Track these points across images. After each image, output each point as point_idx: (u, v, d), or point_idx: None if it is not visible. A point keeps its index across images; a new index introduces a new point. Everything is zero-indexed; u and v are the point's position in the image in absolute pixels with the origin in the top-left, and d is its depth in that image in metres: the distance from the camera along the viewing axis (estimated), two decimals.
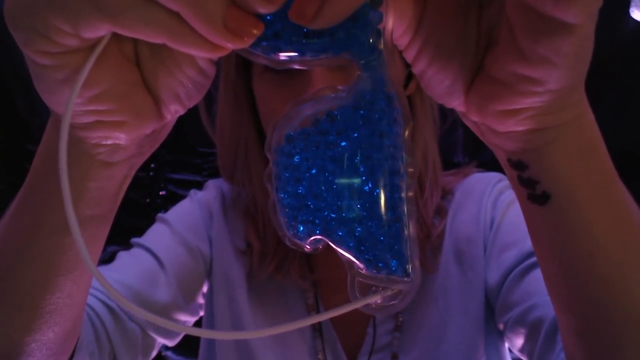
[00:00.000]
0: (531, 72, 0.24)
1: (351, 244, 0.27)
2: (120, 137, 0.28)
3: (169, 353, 1.23)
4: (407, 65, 0.29)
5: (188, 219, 0.67)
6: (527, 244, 0.54)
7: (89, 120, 0.26)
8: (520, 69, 0.24)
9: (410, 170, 0.27)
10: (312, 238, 0.28)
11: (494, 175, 0.67)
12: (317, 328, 0.62)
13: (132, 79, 0.26)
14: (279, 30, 0.24)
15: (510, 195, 0.62)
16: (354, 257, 0.27)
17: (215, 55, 0.24)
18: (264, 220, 0.65)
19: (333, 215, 0.27)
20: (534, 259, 0.53)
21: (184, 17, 0.22)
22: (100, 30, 0.22)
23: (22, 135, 1.27)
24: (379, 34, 0.25)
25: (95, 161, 0.28)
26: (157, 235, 0.64)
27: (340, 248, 0.27)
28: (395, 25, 0.26)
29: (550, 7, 0.21)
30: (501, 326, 0.58)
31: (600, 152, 0.29)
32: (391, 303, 0.27)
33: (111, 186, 0.31)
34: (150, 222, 0.67)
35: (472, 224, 0.63)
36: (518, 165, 0.29)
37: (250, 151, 0.63)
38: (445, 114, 0.67)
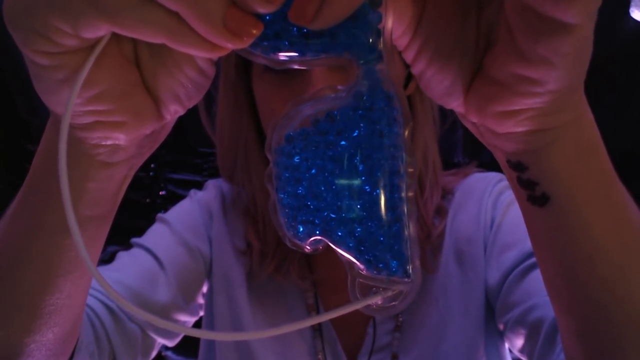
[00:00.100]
0: (530, 73, 0.23)
1: (351, 245, 0.27)
2: (120, 138, 0.28)
3: (168, 353, 1.23)
4: (407, 66, 0.29)
5: (188, 219, 0.67)
6: (528, 244, 0.54)
7: (88, 120, 0.26)
8: (519, 70, 0.24)
9: (410, 170, 0.27)
10: (312, 238, 0.28)
11: (494, 175, 0.67)
12: (317, 328, 0.62)
13: (132, 79, 0.26)
14: (278, 31, 0.24)
15: (510, 195, 0.62)
16: (354, 257, 0.27)
17: (214, 55, 0.24)
18: (264, 221, 0.65)
19: (333, 216, 0.27)
20: (534, 259, 0.53)
21: (184, 17, 0.22)
22: (100, 31, 0.22)
23: (22, 135, 1.27)
24: (378, 34, 0.25)
25: (95, 162, 0.28)
26: (157, 236, 0.64)
27: (340, 248, 0.27)
28: (394, 25, 0.26)
29: (549, 7, 0.21)
30: (501, 326, 0.58)
31: (599, 153, 0.29)
32: (392, 304, 0.27)
33: (111, 187, 0.31)
34: (150, 222, 0.67)
35: (473, 224, 0.63)
36: (517, 167, 0.29)
37: (250, 151, 0.63)
38: (445, 114, 0.67)
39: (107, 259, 0.60)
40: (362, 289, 0.27)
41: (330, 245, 0.28)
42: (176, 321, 0.62)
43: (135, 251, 0.61)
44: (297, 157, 0.27)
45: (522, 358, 0.55)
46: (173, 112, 0.28)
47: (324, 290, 0.65)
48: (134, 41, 0.26)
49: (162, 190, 1.29)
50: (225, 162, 0.67)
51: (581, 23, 0.21)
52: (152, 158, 0.33)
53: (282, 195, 0.27)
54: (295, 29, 0.24)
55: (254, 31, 0.23)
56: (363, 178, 0.26)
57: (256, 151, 0.62)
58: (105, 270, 0.57)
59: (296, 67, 0.26)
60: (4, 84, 1.23)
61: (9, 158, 1.30)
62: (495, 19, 0.25)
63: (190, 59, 0.26)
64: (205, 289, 0.66)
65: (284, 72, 0.51)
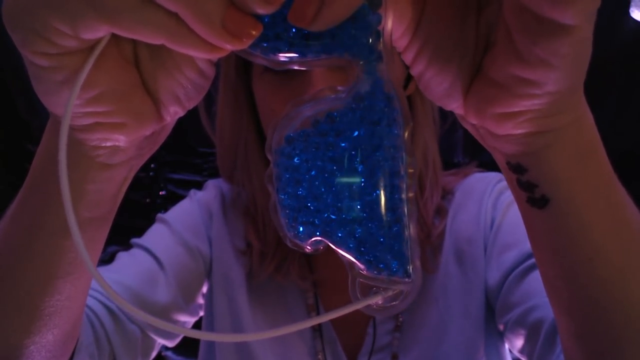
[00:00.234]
0: (529, 74, 0.23)
1: (351, 245, 0.27)
2: (120, 139, 0.27)
3: (169, 353, 1.23)
4: (407, 66, 0.29)
5: (188, 219, 0.67)
6: (528, 245, 0.54)
7: (88, 122, 0.26)
8: (518, 71, 0.24)
9: (411, 170, 0.27)
10: (312, 239, 0.28)
11: (494, 176, 0.67)
12: (317, 328, 0.62)
13: (131, 81, 0.26)
14: (278, 32, 0.24)
15: (510, 195, 0.62)
16: (354, 258, 0.27)
17: (214, 56, 0.24)
18: (264, 221, 0.65)
19: (333, 217, 0.27)
20: (534, 259, 0.53)
21: (183, 17, 0.22)
22: (99, 32, 0.22)
23: (22, 135, 1.27)
24: (378, 35, 0.25)
25: (95, 163, 0.28)
26: (156, 236, 0.64)
27: (341, 249, 0.27)
28: (394, 26, 0.26)
29: (546, 8, 0.21)
30: (501, 327, 0.58)
31: (599, 154, 0.29)
32: (392, 304, 0.27)
33: (110, 188, 0.31)
34: (150, 222, 0.67)
35: (473, 224, 0.63)
36: (517, 169, 0.29)
37: (250, 151, 0.63)
38: (445, 114, 0.67)
39: (107, 259, 0.60)
40: (362, 289, 0.27)
41: (330, 246, 0.28)
42: (176, 321, 0.62)
43: (135, 251, 0.61)
44: (297, 158, 0.27)
45: (522, 358, 0.55)
46: (173, 113, 0.28)
47: (324, 290, 0.65)
48: (134, 42, 0.26)
49: (162, 190, 1.29)
50: (225, 162, 0.67)
51: (579, 24, 0.21)
52: (152, 158, 0.33)
53: (282, 196, 0.27)
54: (294, 29, 0.24)
55: (253, 32, 0.23)
56: (363, 179, 0.26)
57: (256, 151, 0.62)
58: (105, 271, 0.57)
59: (296, 67, 0.26)
60: (4, 84, 1.23)
61: (9, 158, 1.30)
62: (495, 20, 0.25)
63: (190, 60, 0.26)
64: (205, 289, 0.66)
65: (284, 73, 0.51)
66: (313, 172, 0.27)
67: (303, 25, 0.23)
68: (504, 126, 0.27)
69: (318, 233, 0.27)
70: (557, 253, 0.31)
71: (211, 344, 0.66)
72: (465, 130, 0.31)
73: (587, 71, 0.24)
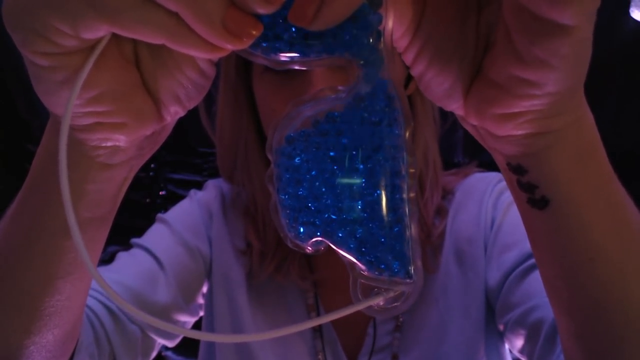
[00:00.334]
0: (529, 75, 0.23)
1: (352, 246, 0.27)
2: (120, 139, 0.27)
3: (169, 353, 1.23)
4: (407, 67, 0.29)
5: (188, 219, 0.67)
6: (528, 245, 0.53)
7: (88, 122, 0.26)
8: (517, 72, 0.23)
9: (412, 170, 0.26)
10: (313, 239, 0.28)
11: (495, 175, 0.67)
12: (317, 329, 0.62)
13: (132, 80, 0.26)
14: (278, 31, 0.24)
15: (510, 195, 0.62)
16: (355, 258, 0.27)
17: (214, 56, 0.24)
18: (264, 221, 0.65)
19: (334, 217, 0.27)
20: (534, 259, 0.53)
21: (183, 17, 0.22)
22: (99, 31, 0.22)
23: (22, 135, 1.27)
24: (378, 34, 0.25)
25: (95, 163, 0.28)
26: (156, 236, 0.64)
27: (342, 250, 0.27)
28: (394, 27, 0.26)
29: (545, 8, 0.21)
30: (501, 327, 0.58)
31: (599, 155, 0.29)
32: (393, 305, 0.27)
33: (111, 188, 0.31)
34: (150, 222, 0.67)
35: (473, 224, 0.63)
36: (517, 170, 0.29)
37: (250, 151, 0.63)
38: (446, 114, 0.67)
39: (107, 259, 0.60)
40: (363, 289, 0.27)
41: (331, 246, 0.28)
42: (176, 321, 0.62)
43: (135, 251, 0.61)
44: (297, 158, 0.27)
45: (522, 359, 0.55)
46: (173, 113, 0.28)
47: (324, 290, 0.64)
48: (134, 42, 0.26)
49: (162, 190, 1.29)
50: (225, 162, 0.67)
51: (578, 24, 0.21)
52: (152, 158, 0.33)
53: (283, 197, 0.27)
54: (295, 29, 0.24)
55: (254, 32, 0.23)
56: (364, 179, 0.26)
57: (256, 151, 0.62)
58: (105, 271, 0.56)
59: (296, 67, 0.26)
60: (4, 84, 1.23)
61: (9, 158, 1.30)
62: (495, 21, 0.25)
63: (190, 59, 0.26)
64: (205, 289, 0.66)
65: (284, 73, 0.51)
66: (314, 172, 0.27)
67: (303, 25, 0.22)
68: (504, 127, 0.26)
69: (319, 233, 0.27)
70: (557, 253, 0.31)
71: (211, 344, 0.66)
72: (466, 130, 0.31)
73: (587, 71, 0.24)
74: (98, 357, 0.48)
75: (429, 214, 0.63)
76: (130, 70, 0.26)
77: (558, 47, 0.22)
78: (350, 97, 0.26)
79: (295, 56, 0.25)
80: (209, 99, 0.62)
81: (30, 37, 0.22)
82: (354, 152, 0.26)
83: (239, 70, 0.59)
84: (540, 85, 0.23)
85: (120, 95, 0.26)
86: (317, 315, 0.63)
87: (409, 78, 0.55)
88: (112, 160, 0.29)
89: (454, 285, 0.61)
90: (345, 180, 0.26)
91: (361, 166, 0.26)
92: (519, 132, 0.26)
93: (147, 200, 1.28)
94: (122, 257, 0.60)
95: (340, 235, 0.27)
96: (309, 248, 0.28)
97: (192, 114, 0.36)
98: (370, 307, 0.27)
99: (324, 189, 0.26)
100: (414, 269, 0.27)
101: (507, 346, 0.61)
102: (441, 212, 0.65)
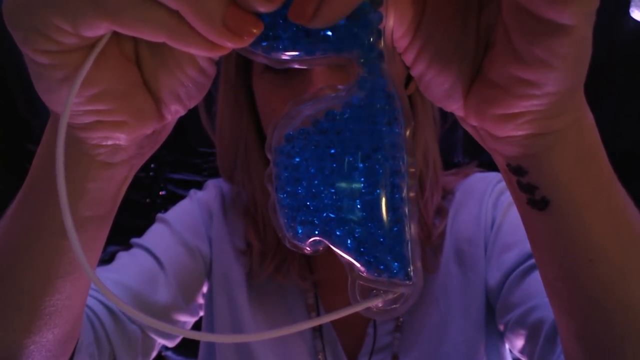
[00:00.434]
0: (528, 75, 0.23)
1: (350, 245, 0.27)
2: (121, 138, 0.27)
3: (169, 353, 1.23)
4: (407, 67, 0.28)
5: (188, 219, 0.67)
6: (528, 245, 0.54)
7: (88, 120, 0.26)
8: (517, 72, 0.23)
9: (411, 170, 0.26)
10: (311, 239, 0.27)
11: (495, 175, 0.66)
12: (317, 329, 0.62)
13: (132, 79, 0.26)
14: (278, 30, 0.24)
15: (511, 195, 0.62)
16: (353, 258, 0.27)
17: (215, 55, 0.24)
18: (264, 221, 0.65)
19: (332, 216, 0.27)
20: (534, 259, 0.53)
21: (184, 15, 0.22)
22: (100, 29, 0.22)
23: (22, 135, 1.27)
24: (379, 33, 0.25)
25: (95, 162, 0.28)
26: (156, 236, 0.64)
27: (340, 249, 0.27)
28: (394, 26, 0.25)
29: (543, 8, 0.21)
30: (501, 327, 0.57)
31: (599, 156, 0.29)
32: (392, 307, 0.27)
33: (111, 187, 0.31)
34: (150, 222, 0.67)
35: (473, 224, 0.63)
36: (517, 171, 0.28)
37: (250, 151, 0.63)
38: (446, 114, 0.67)
39: (107, 259, 0.60)
40: (362, 290, 0.27)
41: (330, 246, 0.27)
42: (176, 321, 0.62)
43: (135, 251, 0.61)
44: (297, 157, 0.27)
45: (522, 359, 0.55)
46: (174, 112, 0.28)
47: (324, 290, 0.64)
48: (135, 40, 0.26)
49: (162, 190, 1.29)
50: (225, 162, 0.67)
51: (577, 24, 0.21)
52: (152, 158, 0.33)
53: (281, 195, 0.27)
54: (295, 28, 0.24)
55: (254, 30, 0.23)
56: (363, 178, 0.26)
57: (256, 151, 0.62)
58: (105, 271, 0.56)
59: (297, 66, 0.26)
60: (4, 84, 1.23)
61: (9, 158, 1.30)
62: (494, 21, 0.25)
63: (191, 58, 0.26)
64: (205, 289, 0.66)
65: (284, 72, 0.51)
66: (312, 171, 0.26)
67: (303, 23, 0.22)
68: (504, 128, 0.26)
69: (317, 232, 0.27)
70: (557, 254, 0.31)
71: (211, 344, 0.66)
72: (466, 130, 0.31)
73: (587, 71, 0.24)
74: (98, 357, 0.48)
75: (429, 214, 0.63)
76: (130, 69, 0.26)
77: (557, 46, 0.22)
78: (350, 96, 0.26)
79: (295, 55, 0.25)
80: (209, 99, 0.62)
81: (31, 35, 0.22)
82: (354, 151, 0.26)
83: (239, 70, 0.59)
84: (540, 85, 0.23)
85: (120, 94, 0.26)
86: (317, 316, 0.63)
87: (409, 78, 0.55)
88: (112, 159, 0.29)
89: (454, 285, 0.61)
90: (345, 179, 0.26)
91: (361, 165, 0.26)
92: (519, 133, 0.26)
93: (147, 200, 1.28)
94: (122, 257, 0.60)
95: (338, 234, 0.27)
96: (308, 248, 0.28)
97: (192, 114, 0.36)
98: (369, 308, 0.27)
99: (322, 188, 0.26)
100: (413, 270, 0.26)
101: (507, 346, 0.61)
102: (441, 212, 0.65)
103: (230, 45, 0.23)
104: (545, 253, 0.32)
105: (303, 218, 0.27)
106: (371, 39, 0.25)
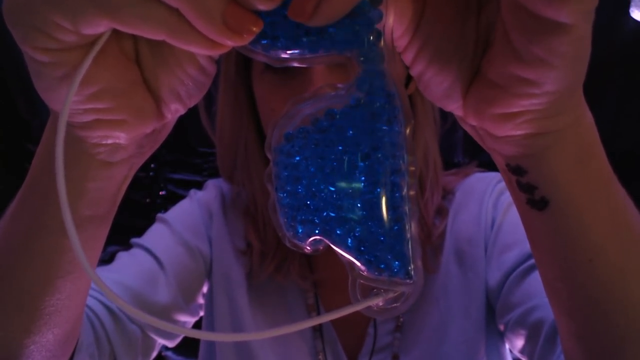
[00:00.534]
0: (527, 74, 0.23)
1: (351, 244, 0.27)
2: (120, 137, 0.27)
3: (169, 353, 1.23)
4: (407, 66, 0.28)
5: (188, 219, 0.67)
6: (528, 245, 0.54)
7: (88, 119, 0.26)
8: (516, 70, 0.23)
9: (412, 169, 0.26)
10: (311, 239, 0.27)
11: (495, 175, 0.66)
12: (317, 329, 0.62)
13: (132, 77, 0.26)
14: (278, 28, 0.24)
15: None
16: (354, 258, 0.27)
17: (215, 53, 0.24)
18: (264, 220, 0.65)
19: (332, 215, 0.26)
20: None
21: (184, 13, 0.22)
22: (100, 27, 0.22)
23: (22, 135, 1.27)
24: (379, 32, 0.25)
25: (95, 161, 0.28)
26: (156, 236, 0.64)
27: (340, 248, 0.27)
28: (394, 25, 0.25)
29: (542, 6, 0.21)
30: (501, 327, 0.57)
31: (599, 155, 0.29)
32: (393, 305, 0.27)
33: (111, 186, 0.31)
34: (150, 222, 0.67)
35: (473, 224, 0.63)
36: (517, 171, 0.28)
37: (250, 151, 0.63)
38: (446, 114, 0.67)
39: (107, 259, 0.60)
40: (362, 290, 0.27)
41: (330, 245, 0.27)
42: (176, 321, 0.62)
43: (135, 251, 0.61)
44: (297, 156, 0.27)
45: (522, 359, 0.55)
46: (174, 110, 0.28)
47: (324, 290, 0.64)
48: (135, 39, 0.26)
49: (162, 190, 1.29)
50: (225, 162, 0.67)
51: (576, 23, 0.21)
52: (152, 158, 0.33)
53: (281, 195, 0.27)
54: (295, 26, 0.24)
55: (254, 28, 0.23)
56: (363, 177, 0.26)
57: (256, 151, 0.62)
58: (105, 271, 0.56)
59: (296, 65, 0.26)
60: (4, 84, 1.23)
61: (9, 158, 1.30)
62: (494, 20, 0.25)
63: (191, 56, 0.26)
64: (205, 289, 0.66)
65: (284, 71, 0.51)
66: (312, 170, 0.26)
67: (302, 21, 0.22)
68: (503, 127, 0.26)
69: (317, 231, 0.27)
70: (556, 254, 0.31)
71: (211, 344, 0.66)
72: (466, 130, 0.31)
73: (587, 71, 0.24)
74: (98, 357, 0.48)
75: (429, 214, 0.63)
76: (130, 67, 0.26)
77: (556, 45, 0.22)
78: (350, 95, 0.26)
79: (295, 53, 0.25)
80: (209, 99, 0.62)
81: (31, 33, 0.22)
82: (354, 150, 0.26)
83: (239, 70, 0.59)
84: (539, 84, 0.23)
85: (120, 92, 0.26)
86: (318, 315, 0.63)
87: (409, 78, 0.55)
88: (112, 158, 0.29)
89: (455, 285, 0.61)
90: (345, 178, 0.26)
91: (361, 164, 0.26)
92: (518, 133, 0.26)
93: (147, 200, 1.28)
94: (122, 257, 0.60)
95: (338, 233, 0.27)
96: (308, 248, 0.28)
97: (192, 114, 0.36)
98: (369, 307, 0.27)
99: (322, 187, 0.26)
100: (413, 269, 0.26)
101: (507, 346, 0.61)
102: (441, 212, 0.65)
103: (230, 43, 0.23)
104: (544, 253, 0.32)
105: (303, 217, 0.27)
106: (371, 38, 0.25)
